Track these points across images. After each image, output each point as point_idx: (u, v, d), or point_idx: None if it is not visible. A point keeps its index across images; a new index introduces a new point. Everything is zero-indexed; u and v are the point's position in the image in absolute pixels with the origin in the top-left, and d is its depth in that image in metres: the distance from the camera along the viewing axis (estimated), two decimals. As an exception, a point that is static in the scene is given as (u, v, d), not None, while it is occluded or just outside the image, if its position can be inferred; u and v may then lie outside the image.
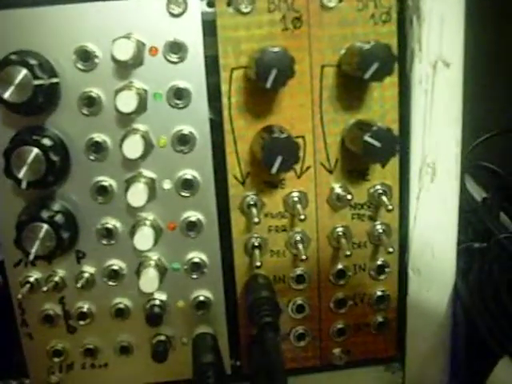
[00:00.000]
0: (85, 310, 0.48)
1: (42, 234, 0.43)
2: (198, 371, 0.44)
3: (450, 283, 0.49)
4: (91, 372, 0.50)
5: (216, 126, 0.45)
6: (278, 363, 0.40)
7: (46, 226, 0.43)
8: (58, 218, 0.44)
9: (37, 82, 0.40)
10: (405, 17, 0.45)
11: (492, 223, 0.56)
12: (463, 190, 0.50)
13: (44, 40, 0.42)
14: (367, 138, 0.41)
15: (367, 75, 0.40)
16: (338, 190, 0.46)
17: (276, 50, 0.40)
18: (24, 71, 0.40)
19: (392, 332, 0.50)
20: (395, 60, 0.41)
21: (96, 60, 0.43)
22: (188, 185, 0.45)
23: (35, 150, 0.41)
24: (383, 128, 0.41)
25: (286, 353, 0.49)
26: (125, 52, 0.41)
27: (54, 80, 0.42)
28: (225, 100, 0.44)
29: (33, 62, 0.41)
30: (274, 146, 0.41)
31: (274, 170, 0.41)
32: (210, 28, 0.43)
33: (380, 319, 0.50)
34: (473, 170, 0.63)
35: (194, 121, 0.44)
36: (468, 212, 0.58)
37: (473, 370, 0.48)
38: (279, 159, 0.41)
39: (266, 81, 0.40)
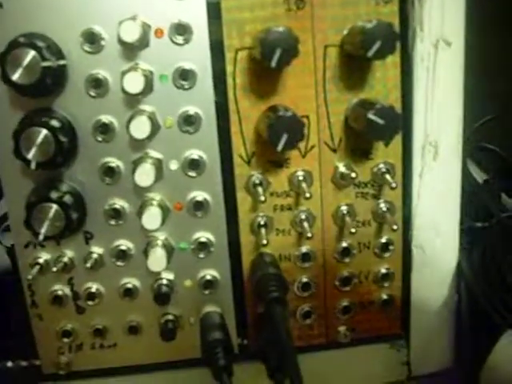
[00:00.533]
0: (93, 290, 0.48)
1: (51, 215, 0.43)
2: (206, 348, 0.44)
3: (454, 260, 0.50)
4: (100, 352, 0.50)
5: (221, 107, 0.45)
6: (287, 337, 0.40)
7: (55, 206, 0.43)
8: (67, 198, 0.44)
9: (45, 64, 0.41)
10: (406, -3, 0.45)
11: (493, 204, 0.57)
12: (465, 172, 0.50)
13: (51, 22, 0.43)
14: (370, 115, 0.42)
15: (370, 53, 0.41)
16: (341, 168, 0.47)
17: (280, 29, 0.40)
18: (32, 53, 0.40)
19: (396, 310, 0.51)
20: (397, 38, 0.42)
21: (102, 42, 0.43)
22: (194, 165, 0.46)
23: (44, 131, 0.42)
24: (386, 106, 0.42)
25: (293, 331, 0.50)
26: (131, 34, 0.41)
27: (62, 62, 0.43)
28: (230, 80, 0.45)
29: (41, 44, 0.41)
30: (280, 124, 0.41)
31: (280, 147, 0.42)
32: (214, 10, 0.44)
33: (384, 297, 0.50)
34: (474, 152, 0.64)
35: (200, 102, 0.45)
36: (470, 193, 0.59)
37: (477, 346, 0.49)
38: (285, 137, 0.41)
39: (270, 60, 0.40)
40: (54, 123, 0.43)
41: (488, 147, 0.63)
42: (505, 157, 0.62)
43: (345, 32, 0.44)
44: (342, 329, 0.51)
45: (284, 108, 0.43)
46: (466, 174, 0.51)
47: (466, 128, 0.48)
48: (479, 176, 0.63)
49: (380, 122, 0.42)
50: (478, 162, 0.64)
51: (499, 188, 0.60)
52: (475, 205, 0.59)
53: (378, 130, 0.42)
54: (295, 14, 0.44)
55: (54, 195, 0.44)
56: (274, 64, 0.41)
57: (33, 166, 0.42)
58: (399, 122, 0.43)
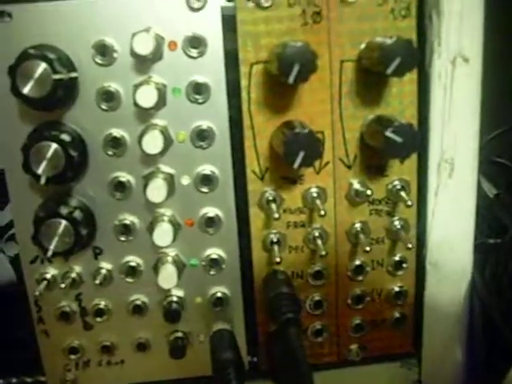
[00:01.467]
0: (102, 306, 0.47)
1: (60, 230, 0.42)
2: (218, 368, 0.43)
3: (467, 278, 0.49)
4: (108, 369, 0.49)
5: (235, 122, 0.45)
6: (304, 360, 0.39)
7: (64, 222, 0.42)
8: (77, 213, 0.43)
9: (56, 77, 0.40)
10: (424, 12, 0.44)
11: (506, 219, 0.56)
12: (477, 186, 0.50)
13: (63, 34, 0.42)
14: (389, 133, 0.41)
15: (389, 70, 0.40)
16: (356, 185, 0.46)
17: (299, 44, 0.40)
18: (43, 65, 0.39)
19: (409, 328, 0.50)
20: (417, 55, 0.41)
21: (115, 54, 0.42)
22: (207, 180, 0.45)
23: (54, 145, 0.41)
24: (405, 124, 0.41)
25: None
26: (144, 46, 0.41)
27: (73, 74, 0.42)
28: (244, 95, 0.44)
29: (52, 56, 0.40)
30: (296, 141, 0.41)
31: (296, 165, 0.41)
32: (229, 23, 0.43)
33: (397, 315, 0.49)
34: (485, 166, 0.63)
35: (213, 116, 0.44)
36: (481, 208, 0.58)
37: (491, 366, 0.48)
38: (301, 154, 0.41)
39: (288, 76, 0.39)
40: (65, 137, 0.42)
41: (498, 161, 0.62)
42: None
43: (362, 47, 0.44)
44: (353, 347, 0.50)
45: (300, 124, 0.42)
46: (478, 188, 0.50)
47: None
48: (490, 190, 0.62)
49: (398, 139, 0.41)
50: (489, 175, 0.63)
51: (510, 202, 0.59)
52: (487, 220, 0.58)
53: (396, 147, 0.41)
54: (311, 28, 0.43)
55: (63, 211, 0.43)
56: (291, 80, 0.40)
57: (42, 180, 0.41)
58: (418, 140, 0.42)
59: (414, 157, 0.46)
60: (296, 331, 0.41)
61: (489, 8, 0.44)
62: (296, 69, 0.39)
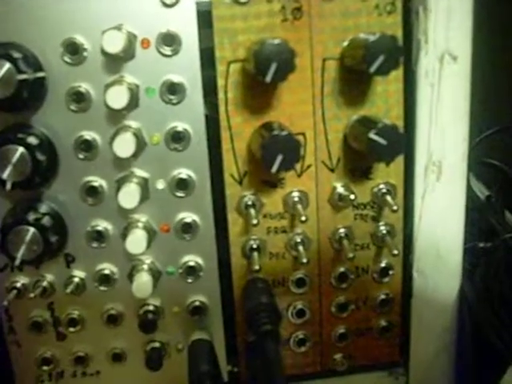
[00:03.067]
0: (75, 316, 0.45)
1: (28, 238, 0.40)
2: (194, 381, 0.41)
3: (456, 286, 0.47)
4: (82, 380, 0.47)
5: (212, 123, 0.43)
6: (279, 374, 0.38)
7: (32, 230, 0.40)
8: (46, 220, 0.41)
9: (21, 77, 0.38)
10: (410, 7, 0.43)
11: (497, 222, 0.54)
12: (467, 188, 0.48)
13: (29, 31, 0.40)
14: (372, 135, 0.39)
15: (373, 68, 0.38)
16: (340, 189, 0.44)
17: (276, 42, 0.38)
18: (7, 65, 0.37)
19: (395, 336, 0.48)
20: (402, 53, 0.39)
21: (85, 53, 0.40)
22: (183, 184, 0.43)
23: (20, 149, 0.39)
24: (389, 125, 0.39)
25: (286, 359, 0.47)
26: (115, 44, 0.38)
27: (40, 74, 0.40)
28: (221, 95, 0.42)
29: (16, 55, 0.38)
30: (274, 143, 0.39)
31: (275, 169, 0.39)
32: (205, 19, 0.41)
33: (383, 323, 0.48)
34: (475, 167, 0.62)
35: (189, 117, 0.42)
36: (471, 210, 0.57)
37: (480, 376, 0.46)
38: (279, 158, 0.39)
39: (265, 75, 0.38)
40: (32, 140, 0.40)
41: (490, 162, 0.61)
42: (508, 172, 0.59)
43: (345, 44, 0.42)
44: (337, 356, 0.48)
45: (279, 126, 0.40)
46: (467, 190, 0.49)
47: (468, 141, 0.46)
48: (481, 192, 0.60)
49: (382, 142, 0.39)
50: (480, 177, 0.61)
51: (502, 204, 0.58)
52: (478, 222, 0.56)
53: (380, 150, 0.39)
54: (292, 25, 0.41)
55: (31, 217, 0.41)
56: (268, 79, 0.38)
57: (8, 186, 0.39)
58: (403, 143, 0.40)
59: (400, 159, 0.44)
60: (274, 344, 0.39)
61: (477, 4, 0.42)
62: (273, 67, 0.37)
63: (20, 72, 0.38)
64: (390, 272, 0.46)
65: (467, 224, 0.48)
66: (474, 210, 0.58)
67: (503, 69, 0.65)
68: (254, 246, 0.44)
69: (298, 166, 0.43)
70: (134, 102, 0.41)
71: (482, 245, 0.53)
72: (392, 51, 0.38)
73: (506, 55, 0.64)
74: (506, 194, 0.58)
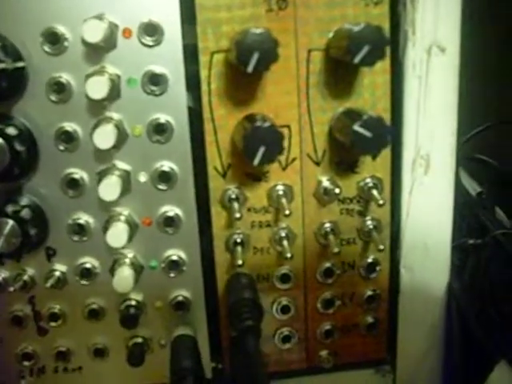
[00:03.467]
0: (56, 310, 0.45)
1: (6, 231, 0.40)
2: (175, 377, 0.41)
3: (444, 282, 0.46)
4: (64, 376, 0.47)
5: (195, 115, 0.42)
6: (259, 370, 0.37)
7: (11, 222, 0.40)
8: (25, 212, 0.41)
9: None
10: (398, -2, 0.42)
11: (487, 219, 0.53)
12: (457, 184, 0.47)
13: (8, 20, 0.39)
14: (357, 127, 0.38)
15: (357, 59, 0.37)
16: (325, 183, 0.43)
17: (258, 31, 0.37)
18: (-16, 54, 0.37)
19: (382, 333, 0.48)
20: (387, 43, 0.39)
21: (65, 43, 0.40)
22: (165, 177, 0.42)
23: (-2, 140, 0.38)
24: (374, 117, 0.39)
25: (271, 355, 0.47)
26: (96, 34, 0.38)
27: (20, 64, 0.39)
28: (204, 86, 0.41)
29: (-5, 44, 0.37)
30: (256, 135, 0.38)
31: (257, 161, 0.38)
32: (187, 9, 0.40)
33: (370, 320, 0.47)
34: (467, 163, 0.61)
35: (172, 109, 0.41)
36: (462, 206, 0.56)
37: (468, 374, 0.46)
38: (262, 150, 0.38)
39: (247, 65, 0.37)
40: (10, 131, 0.39)
41: (482, 158, 0.60)
42: (499, 168, 0.59)
43: (330, 35, 0.41)
44: (323, 353, 0.47)
45: (262, 117, 0.39)
46: (458, 186, 0.48)
47: (459, 137, 0.45)
48: (472, 187, 0.60)
49: (367, 134, 0.38)
50: (472, 172, 0.61)
51: (493, 201, 0.57)
52: (468, 218, 0.56)
53: (365, 143, 0.39)
54: (277, 15, 0.40)
55: (9, 209, 0.41)
56: (250, 69, 0.37)
57: (-14, 178, 0.39)
58: (388, 135, 0.39)
59: (387, 153, 0.43)
60: (254, 340, 0.38)
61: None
62: (255, 57, 0.37)
63: (-2, 61, 0.37)
64: (377, 268, 0.46)
65: (457, 220, 0.47)
66: (465, 207, 0.57)
67: (496, 62, 0.64)
68: (238, 241, 0.44)
69: (282, 159, 0.42)
70: (115, 93, 0.40)
71: (471, 241, 0.52)
72: (377, 41, 0.38)
73: (497, 47, 0.63)
74: (497, 190, 0.57)
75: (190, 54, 0.41)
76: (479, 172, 0.61)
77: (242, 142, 0.38)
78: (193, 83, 0.41)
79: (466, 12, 0.42)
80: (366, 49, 0.37)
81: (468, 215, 0.57)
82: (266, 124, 0.38)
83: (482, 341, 0.45)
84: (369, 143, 0.39)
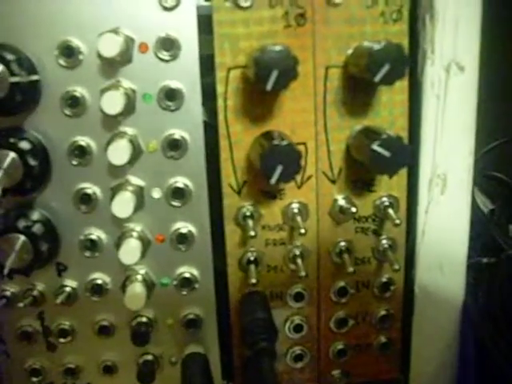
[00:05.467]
0: (66, 326, 0.44)
1: (18, 246, 0.39)
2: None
3: (459, 302, 0.46)
4: (72, 392, 0.46)
5: (210, 131, 0.41)
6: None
7: (22, 238, 0.39)
8: (37, 228, 0.40)
9: (14, 80, 0.37)
10: (417, 16, 0.41)
11: (500, 237, 0.53)
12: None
13: (24, 33, 0.39)
14: (375, 147, 0.38)
15: (377, 78, 0.37)
16: (341, 201, 0.43)
17: (278, 48, 0.36)
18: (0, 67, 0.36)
19: (396, 353, 0.47)
20: (408, 62, 0.38)
21: (80, 56, 0.39)
22: (179, 194, 0.42)
23: (11, 154, 0.38)
24: (393, 136, 0.38)
25: (282, 374, 0.46)
26: (111, 48, 0.37)
27: (34, 77, 0.39)
28: (220, 102, 0.40)
29: (10, 57, 0.37)
30: (274, 154, 0.37)
31: (274, 180, 0.37)
32: (205, 24, 0.40)
33: (383, 339, 0.46)
34: (480, 180, 0.60)
35: (187, 124, 0.41)
36: (475, 224, 0.55)
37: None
38: (279, 168, 0.37)
39: (266, 82, 0.36)
40: (24, 145, 0.39)
41: (494, 175, 0.59)
42: (512, 185, 0.58)
43: (349, 52, 0.40)
44: (336, 373, 0.47)
45: (279, 135, 0.39)
46: (471, 204, 0.47)
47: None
48: (485, 205, 0.59)
49: (386, 154, 0.38)
50: (485, 189, 0.60)
51: (506, 218, 0.56)
52: (481, 237, 0.55)
53: (383, 162, 0.38)
54: (294, 31, 0.40)
55: (21, 224, 0.40)
56: (269, 87, 0.36)
57: (-2, 192, 0.38)
58: (407, 155, 0.38)
59: (403, 172, 0.43)
60: (269, 362, 0.37)
61: (486, 13, 0.41)
62: (274, 75, 0.36)
63: (13, 74, 0.37)
64: (391, 287, 0.45)
65: (471, 239, 0.46)
66: (478, 224, 0.56)
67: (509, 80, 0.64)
68: (252, 259, 0.43)
69: (298, 177, 0.42)
70: (130, 108, 0.40)
71: (485, 260, 0.51)
72: (397, 60, 0.37)
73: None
74: (510, 208, 0.56)
75: (206, 64, 0.40)
76: (492, 189, 0.60)
77: (260, 160, 0.38)
78: (209, 96, 0.41)
79: (485, 29, 0.41)
80: (386, 67, 0.37)
81: (481, 233, 0.56)
82: (284, 142, 0.37)
83: (498, 362, 0.44)
84: (387, 163, 0.38)
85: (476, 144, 0.44)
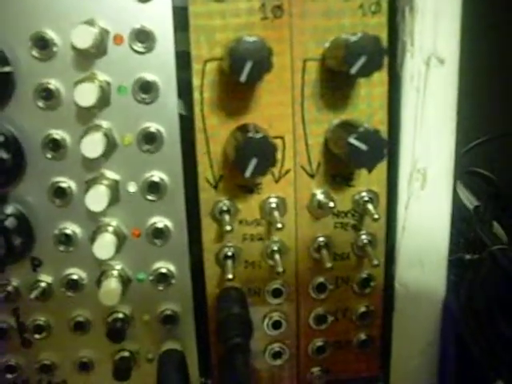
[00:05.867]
0: (41, 322, 0.43)
1: (-11, 240, 0.39)
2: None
3: (440, 299, 0.45)
4: (48, 390, 0.45)
5: (186, 124, 0.41)
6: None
7: (-6, 232, 0.39)
8: (9, 222, 0.40)
9: (-15, 71, 0.36)
10: (396, 8, 0.41)
11: (484, 233, 0.52)
12: (454, 197, 0.46)
13: (-5, 24, 0.38)
14: (352, 140, 0.37)
15: (354, 70, 0.36)
16: (319, 196, 0.42)
17: (252, 39, 0.36)
18: (-30, 58, 0.36)
19: (376, 350, 0.46)
20: (385, 53, 0.37)
21: (54, 48, 0.39)
22: (155, 188, 0.41)
23: (-17, 147, 0.37)
24: (370, 129, 0.37)
25: (261, 372, 0.46)
26: (85, 39, 0.37)
27: (7, 69, 0.38)
28: (196, 95, 0.40)
29: (-19, 48, 0.37)
30: (248, 146, 0.37)
31: (248, 173, 0.37)
32: (180, 15, 0.39)
33: (363, 336, 0.46)
34: (464, 176, 0.60)
35: (163, 117, 0.40)
36: (459, 220, 0.55)
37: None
38: (254, 161, 0.37)
39: (239, 74, 0.36)
40: (-4, 137, 0.38)
41: (479, 172, 0.59)
42: (497, 182, 0.58)
43: (326, 45, 0.40)
44: (315, 370, 0.46)
45: (254, 128, 0.38)
46: (455, 199, 0.47)
47: (458, 149, 0.44)
48: (469, 201, 0.59)
49: (363, 147, 0.37)
50: (469, 186, 0.60)
51: (491, 215, 0.56)
52: (464, 232, 0.55)
53: (361, 156, 0.38)
54: (272, 23, 0.39)
55: (-7, 218, 0.39)
56: (243, 78, 0.36)
57: (-31, 185, 0.38)
58: (384, 148, 0.38)
59: (382, 166, 0.42)
60: (243, 358, 0.37)
61: (466, 5, 0.40)
62: (248, 66, 0.36)
63: (-16, 66, 0.36)
64: (371, 283, 0.44)
65: (454, 235, 0.46)
66: (462, 221, 0.56)
67: (494, 73, 0.63)
68: (229, 254, 0.42)
69: (275, 171, 0.41)
70: (104, 101, 0.39)
71: (468, 257, 0.51)
72: (374, 52, 0.36)
73: (496, 59, 0.62)
74: (494, 204, 0.56)
75: (183, 61, 0.40)
76: (477, 185, 0.60)
77: (234, 153, 0.37)
78: (185, 91, 0.40)
79: (466, 22, 0.41)
80: (362, 59, 0.36)
81: (465, 229, 0.56)
82: (259, 135, 0.37)
83: (478, 359, 0.43)
84: (364, 156, 0.38)
85: (461, 140, 0.44)
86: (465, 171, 0.59)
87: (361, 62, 0.36)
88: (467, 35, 0.42)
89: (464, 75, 0.42)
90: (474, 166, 0.59)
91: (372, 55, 0.36)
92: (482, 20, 0.55)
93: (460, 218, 0.55)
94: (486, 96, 0.62)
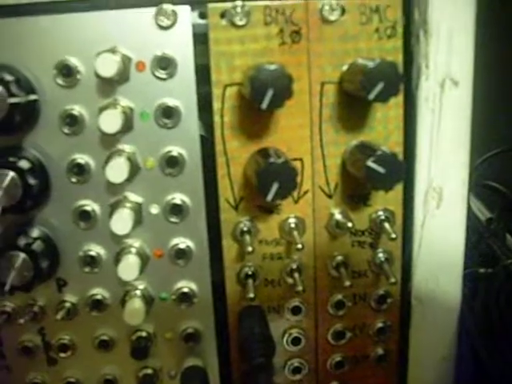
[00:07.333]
0: (66, 341, 0.45)
1: (18, 264, 0.40)
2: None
3: (456, 314, 0.46)
4: (72, 406, 0.46)
5: (207, 147, 0.42)
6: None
7: (22, 255, 0.40)
8: (37, 245, 0.41)
9: (13, 100, 0.37)
10: (411, 31, 0.42)
11: (498, 247, 0.53)
12: (468, 210, 0.47)
13: (22, 53, 0.39)
14: (370, 163, 0.38)
15: (371, 96, 0.37)
16: (337, 215, 0.43)
17: (273, 67, 0.37)
18: (-1, 88, 0.37)
19: (393, 365, 0.47)
20: (402, 80, 0.38)
21: (78, 76, 0.40)
22: (177, 210, 0.42)
23: (11, 174, 0.38)
24: (388, 153, 0.38)
25: (281, 387, 0.47)
26: (109, 67, 0.38)
27: (33, 97, 0.39)
28: (217, 118, 0.41)
29: (8, 77, 0.37)
30: (270, 171, 0.38)
31: (270, 197, 0.38)
32: (201, 41, 0.40)
33: (380, 351, 0.47)
34: (477, 189, 0.61)
35: (184, 141, 0.41)
36: (472, 233, 0.55)
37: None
38: (275, 186, 0.38)
39: (261, 101, 0.37)
40: (23, 164, 0.39)
41: (491, 185, 0.59)
42: (509, 195, 0.58)
43: (344, 68, 0.41)
44: (333, 385, 0.47)
45: (275, 152, 0.39)
46: (468, 213, 0.48)
47: (470, 163, 0.45)
48: (482, 213, 0.59)
49: (380, 170, 0.38)
50: (482, 198, 0.60)
51: (504, 228, 0.56)
52: (478, 246, 0.55)
53: (378, 178, 0.38)
54: (290, 49, 0.40)
55: (21, 242, 0.40)
56: (264, 106, 0.37)
57: (-2, 211, 0.39)
58: (402, 171, 0.39)
59: (399, 186, 0.43)
60: (266, 377, 0.38)
61: (479, 28, 0.41)
62: (269, 94, 0.36)
63: (12, 95, 0.37)
64: (388, 300, 0.45)
65: (467, 248, 0.47)
66: (475, 233, 0.57)
67: (506, 87, 0.64)
68: (249, 273, 0.43)
69: (294, 192, 0.42)
70: (127, 126, 0.40)
71: (482, 270, 0.52)
72: (391, 78, 0.37)
73: (508, 73, 0.63)
74: (507, 217, 0.57)
75: (203, 84, 0.41)
76: (489, 198, 0.60)
77: (256, 177, 0.38)
78: (206, 111, 0.41)
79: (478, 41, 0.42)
80: (380, 85, 0.37)
81: (478, 242, 0.56)
82: (280, 160, 0.38)
83: (494, 374, 0.44)
84: (382, 179, 0.38)
85: (473, 153, 0.45)
86: (478, 184, 0.60)
87: (378, 88, 0.37)
88: (481, 52, 0.42)
89: (478, 88, 0.43)
90: (486, 178, 0.60)
91: (389, 81, 0.37)
92: (494, 38, 0.55)
93: (472, 229, 0.56)
94: (500, 109, 0.63)
